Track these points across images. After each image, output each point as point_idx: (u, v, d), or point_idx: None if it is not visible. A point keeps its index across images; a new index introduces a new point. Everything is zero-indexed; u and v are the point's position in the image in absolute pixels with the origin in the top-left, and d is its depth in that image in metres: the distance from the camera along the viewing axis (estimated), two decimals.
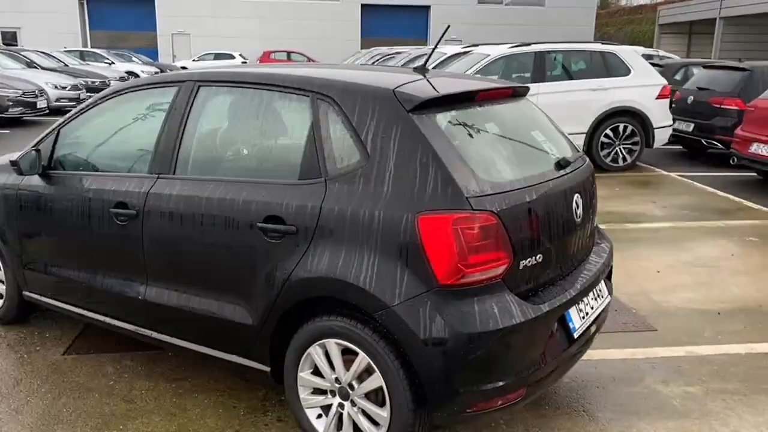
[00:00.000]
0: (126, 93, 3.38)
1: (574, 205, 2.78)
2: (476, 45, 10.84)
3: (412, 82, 2.71)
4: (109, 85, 19.51)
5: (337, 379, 2.62)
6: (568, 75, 9.09)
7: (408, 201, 2.39)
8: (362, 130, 2.55)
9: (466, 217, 2.32)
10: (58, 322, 4.08)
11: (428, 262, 2.33)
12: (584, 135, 8.95)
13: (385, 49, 19.56)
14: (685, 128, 10.06)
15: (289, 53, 35.04)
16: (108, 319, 3.39)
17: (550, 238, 2.60)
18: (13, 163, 3.43)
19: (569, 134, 3.48)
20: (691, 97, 10.16)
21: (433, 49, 3.05)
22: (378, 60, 16.72)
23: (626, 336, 3.94)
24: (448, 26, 3.24)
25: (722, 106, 9.55)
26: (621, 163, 9.21)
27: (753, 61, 10.67)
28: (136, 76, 24.98)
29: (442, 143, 2.46)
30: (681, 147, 10.96)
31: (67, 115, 3.58)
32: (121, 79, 21.52)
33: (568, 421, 3.03)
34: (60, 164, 3.54)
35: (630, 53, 9.18)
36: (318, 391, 2.72)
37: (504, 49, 9.09)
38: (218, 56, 33.59)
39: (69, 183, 3.40)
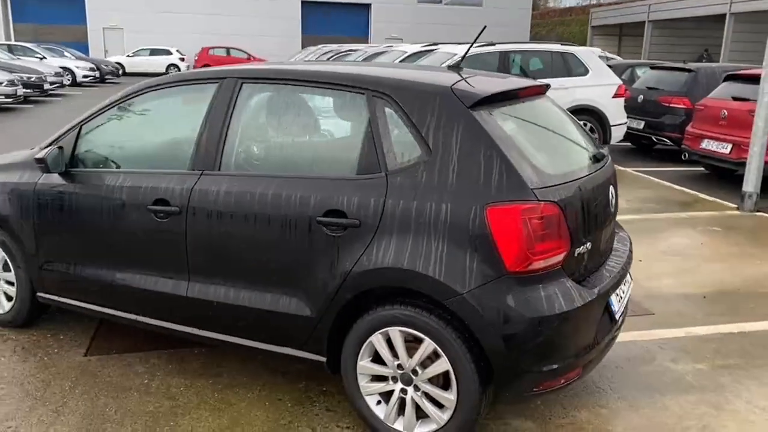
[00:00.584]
0: (157, 89, 3.35)
1: (610, 195, 2.98)
2: (437, 44, 11.06)
3: (463, 80, 2.83)
4: (45, 81, 18.73)
5: (399, 366, 2.72)
6: (531, 74, 9.42)
7: (475, 193, 2.52)
8: (423, 126, 2.66)
9: (532, 208, 2.47)
10: (68, 323, 3.99)
11: (497, 250, 2.47)
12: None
13: (335, 47, 19.59)
14: (636, 126, 10.60)
15: (228, 50, 34.48)
16: (141, 318, 3.36)
17: (596, 226, 2.79)
18: (40, 160, 3.35)
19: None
20: (641, 96, 10.72)
21: (468, 50, 3.19)
22: (331, 57, 16.74)
23: (629, 320, 4.19)
24: (485, 27, 3.38)
25: (671, 105, 10.13)
26: None
27: (697, 63, 11.34)
28: (71, 72, 24.05)
29: (501, 137, 2.60)
30: (630, 144, 11.53)
31: (89, 112, 3.52)
32: (57, 74, 20.66)
33: (600, 398, 3.24)
34: (83, 161, 3.48)
35: (587, 54, 9.62)
36: (377, 378, 2.82)
37: (471, 48, 9.32)
38: (154, 52, 32.70)
39: (97, 180, 3.35)
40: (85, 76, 24.85)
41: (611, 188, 3.01)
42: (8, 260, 3.78)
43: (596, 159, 3.02)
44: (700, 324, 4.17)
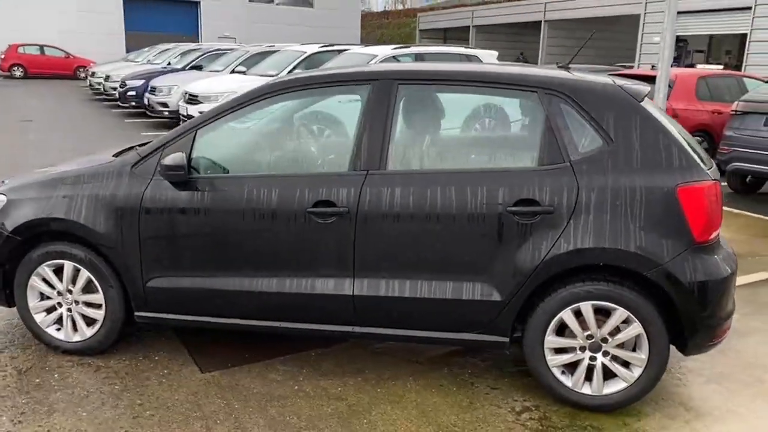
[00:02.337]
0: (290, 91, 3.28)
1: None
2: (350, 44, 11.29)
3: (615, 79, 3.21)
4: None
5: (589, 336, 3.03)
6: None
7: (663, 175, 2.91)
8: (602, 119, 3.00)
9: (711, 186, 2.93)
10: (144, 344, 3.70)
11: (687, 224, 2.89)
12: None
13: (192, 46, 18.76)
14: None
15: (42, 47, 31.13)
16: (286, 324, 3.29)
17: None
18: (176, 167, 3.12)
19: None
20: None
21: (578, 52, 3.57)
22: (199, 57, 16.04)
23: None
24: (594, 32, 3.77)
25: None
26: None
27: (576, 64, 12.74)
28: None
29: (669, 127, 3.03)
30: None
31: (205, 116, 3.33)
32: None
33: None
34: (202, 167, 3.30)
35: (488, 57, 10.45)
36: (561, 351, 3.09)
37: (388, 50, 9.71)
38: None
39: (232, 186, 3.21)
40: None
41: None
42: (95, 281, 3.43)
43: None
44: None
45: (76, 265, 3.42)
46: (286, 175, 3.21)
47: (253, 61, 13.65)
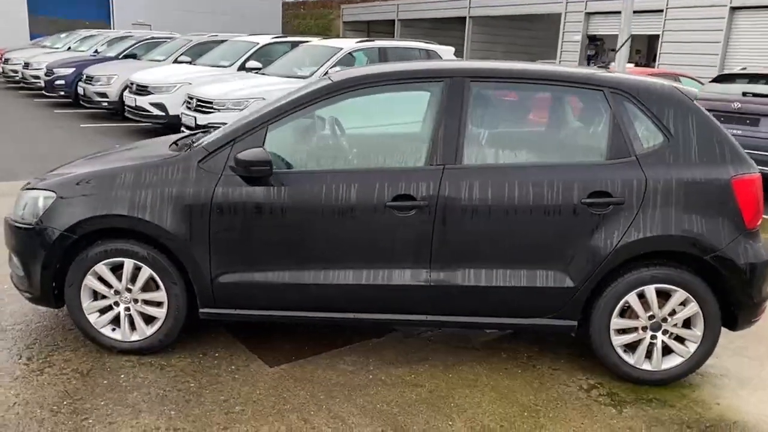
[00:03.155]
0: (362, 87, 3.34)
1: None
2: (308, 37, 11.21)
3: (660, 80, 3.48)
4: None
5: (651, 316, 3.29)
6: None
7: (719, 168, 3.21)
8: (663, 117, 3.26)
9: (758, 178, 3.26)
10: (199, 342, 3.64)
11: (740, 213, 3.21)
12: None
13: (122, 32, 17.92)
14: None
15: None
16: (360, 315, 3.36)
17: None
18: (260, 162, 3.10)
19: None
20: None
21: (619, 48, 3.82)
22: (133, 46, 15.36)
23: None
24: (631, 36, 4.02)
25: None
26: None
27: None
28: None
29: (720, 125, 3.33)
30: None
31: (275, 112, 3.31)
32: None
33: None
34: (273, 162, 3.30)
35: (447, 52, 10.70)
36: (624, 331, 3.34)
37: (353, 44, 9.75)
38: None
39: (309, 180, 3.24)
40: None
41: None
42: (157, 278, 3.35)
43: None
44: None
45: (137, 262, 3.33)
46: (364, 170, 3.28)
47: (197, 51, 13.27)
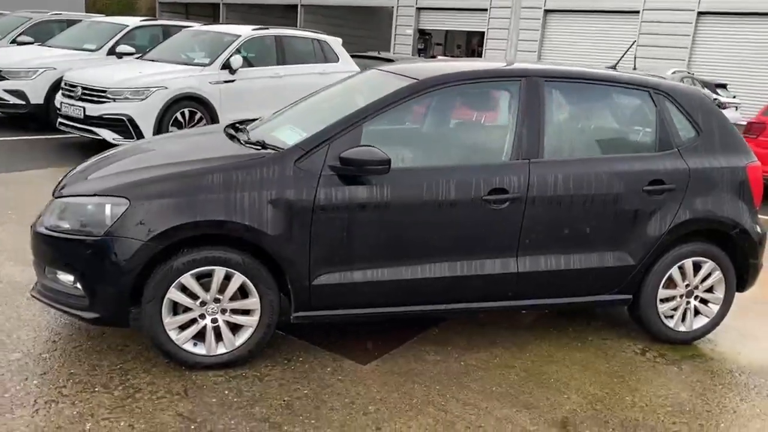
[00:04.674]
0: (449, 86, 3.46)
1: None
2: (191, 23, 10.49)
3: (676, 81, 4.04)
4: None
5: (687, 285, 3.84)
6: (302, 59, 10.06)
7: (736, 157, 3.84)
8: (694, 115, 3.80)
9: (760, 165, 3.94)
10: (270, 349, 3.50)
11: (752, 194, 3.87)
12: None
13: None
14: None
15: None
16: (452, 306, 3.48)
17: None
18: (377, 162, 3.06)
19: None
20: None
21: (625, 53, 4.31)
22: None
23: None
24: (634, 42, 4.46)
25: None
26: None
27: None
28: None
29: (730, 121, 3.97)
30: None
31: (370, 110, 3.28)
32: None
33: None
34: None
35: (335, 43, 10.73)
36: (666, 300, 3.85)
37: (249, 30, 9.43)
38: None
39: (410, 178, 3.29)
40: None
41: None
42: (251, 285, 3.16)
43: None
44: None
45: (229, 270, 3.11)
46: (461, 166, 3.39)
47: (39, 30, 11.81)
